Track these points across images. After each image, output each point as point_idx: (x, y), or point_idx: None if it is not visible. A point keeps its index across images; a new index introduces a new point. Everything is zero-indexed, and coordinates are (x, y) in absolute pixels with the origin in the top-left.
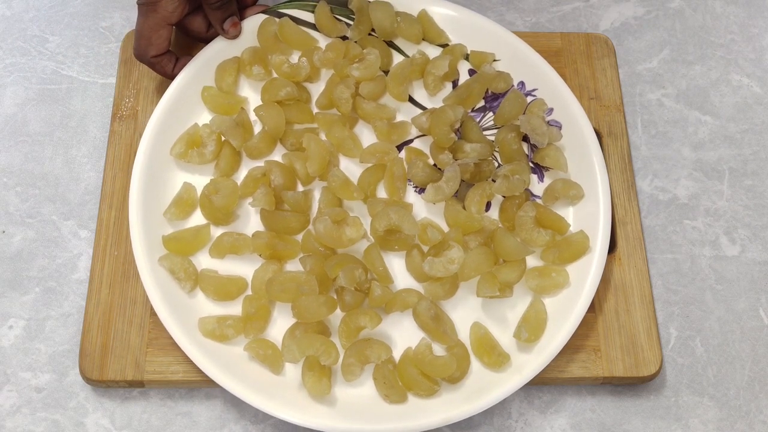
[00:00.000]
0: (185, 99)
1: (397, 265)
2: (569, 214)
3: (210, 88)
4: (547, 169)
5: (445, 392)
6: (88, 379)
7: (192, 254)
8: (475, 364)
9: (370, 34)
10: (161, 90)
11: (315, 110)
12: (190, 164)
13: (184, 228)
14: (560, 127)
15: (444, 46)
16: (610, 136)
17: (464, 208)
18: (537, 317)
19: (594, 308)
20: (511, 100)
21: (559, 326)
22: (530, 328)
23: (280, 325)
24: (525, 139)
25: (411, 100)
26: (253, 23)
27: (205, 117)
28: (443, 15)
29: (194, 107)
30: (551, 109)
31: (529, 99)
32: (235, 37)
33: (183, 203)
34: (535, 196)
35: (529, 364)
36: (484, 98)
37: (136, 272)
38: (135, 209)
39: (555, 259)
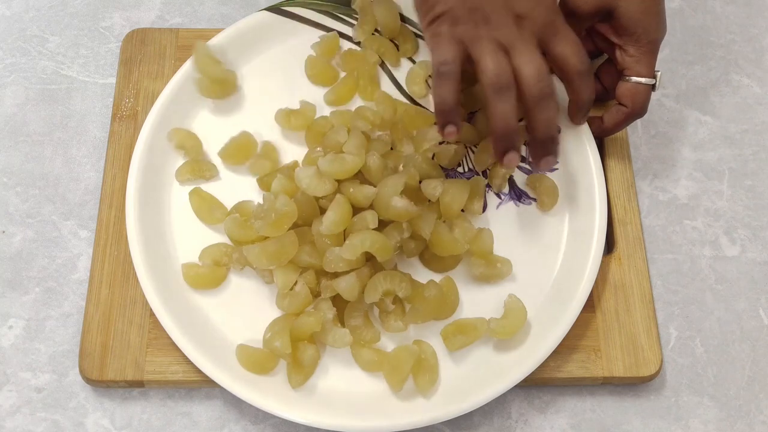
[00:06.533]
0: (183, 97)
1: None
2: (565, 219)
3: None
4: (529, 198)
5: (439, 391)
6: (88, 379)
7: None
8: (473, 358)
9: (373, 33)
10: (161, 91)
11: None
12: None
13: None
14: (559, 131)
15: None
16: (610, 136)
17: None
18: (517, 313)
19: (594, 308)
20: (481, 119)
21: (553, 327)
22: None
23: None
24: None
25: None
26: (254, 21)
27: (202, 116)
28: None
29: (193, 105)
30: None
31: None
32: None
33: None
34: (532, 198)
35: (522, 364)
36: None
37: (136, 272)
38: (132, 211)
39: (498, 332)
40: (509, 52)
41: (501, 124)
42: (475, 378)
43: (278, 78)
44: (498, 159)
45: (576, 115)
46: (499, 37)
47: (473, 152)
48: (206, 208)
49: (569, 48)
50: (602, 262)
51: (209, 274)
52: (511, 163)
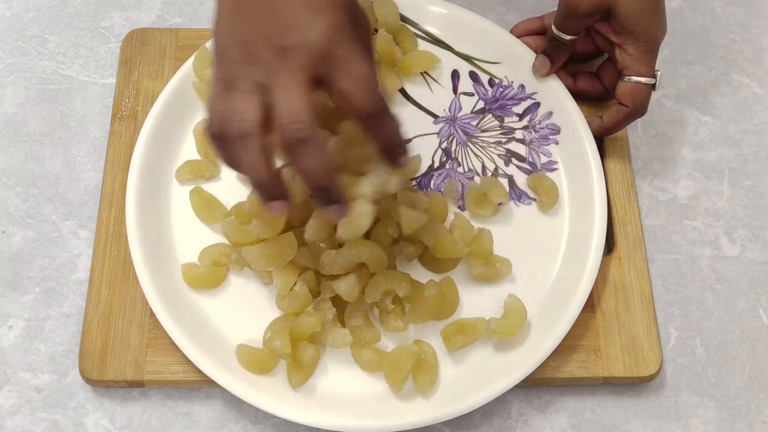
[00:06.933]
0: (183, 97)
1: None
2: (565, 219)
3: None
4: (529, 198)
5: (439, 391)
6: (88, 379)
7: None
8: (473, 358)
9: (373, 33)
10: (161, 91)
11: None
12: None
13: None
14: (558, 131)
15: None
16: (610, 136)
17: None
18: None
19: (594, 308)
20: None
21: (553, 327)
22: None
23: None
24: (520, 142)
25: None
26: None
27: (202, 116)
28: (442, 15)
29: (193, 105)
30: (550, 113)
31: (529, 102)
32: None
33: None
34: (532, 198)
35: (522, 364)
36: (483, 100)
37: (136, 272)
38: (132, 211)
39: (498, 331)
40: (268, 91)
41: (250, 175)
42: (475, 378)
43: None
44: (266, 208)
45: (389, 160)
46: (257, 75)
47: (474, 151)
48: (206, 207)
49: (354, 84)
50: (602, 262)
51: (209, 274)
52: (278, 212)
